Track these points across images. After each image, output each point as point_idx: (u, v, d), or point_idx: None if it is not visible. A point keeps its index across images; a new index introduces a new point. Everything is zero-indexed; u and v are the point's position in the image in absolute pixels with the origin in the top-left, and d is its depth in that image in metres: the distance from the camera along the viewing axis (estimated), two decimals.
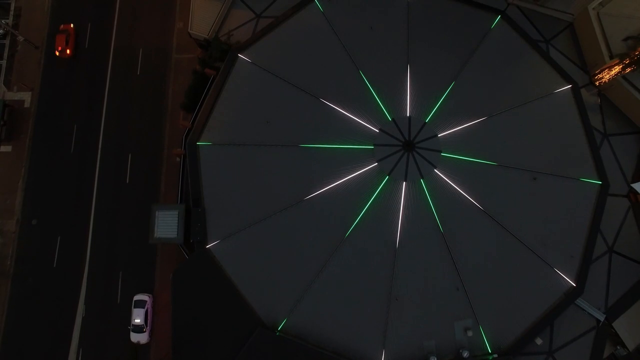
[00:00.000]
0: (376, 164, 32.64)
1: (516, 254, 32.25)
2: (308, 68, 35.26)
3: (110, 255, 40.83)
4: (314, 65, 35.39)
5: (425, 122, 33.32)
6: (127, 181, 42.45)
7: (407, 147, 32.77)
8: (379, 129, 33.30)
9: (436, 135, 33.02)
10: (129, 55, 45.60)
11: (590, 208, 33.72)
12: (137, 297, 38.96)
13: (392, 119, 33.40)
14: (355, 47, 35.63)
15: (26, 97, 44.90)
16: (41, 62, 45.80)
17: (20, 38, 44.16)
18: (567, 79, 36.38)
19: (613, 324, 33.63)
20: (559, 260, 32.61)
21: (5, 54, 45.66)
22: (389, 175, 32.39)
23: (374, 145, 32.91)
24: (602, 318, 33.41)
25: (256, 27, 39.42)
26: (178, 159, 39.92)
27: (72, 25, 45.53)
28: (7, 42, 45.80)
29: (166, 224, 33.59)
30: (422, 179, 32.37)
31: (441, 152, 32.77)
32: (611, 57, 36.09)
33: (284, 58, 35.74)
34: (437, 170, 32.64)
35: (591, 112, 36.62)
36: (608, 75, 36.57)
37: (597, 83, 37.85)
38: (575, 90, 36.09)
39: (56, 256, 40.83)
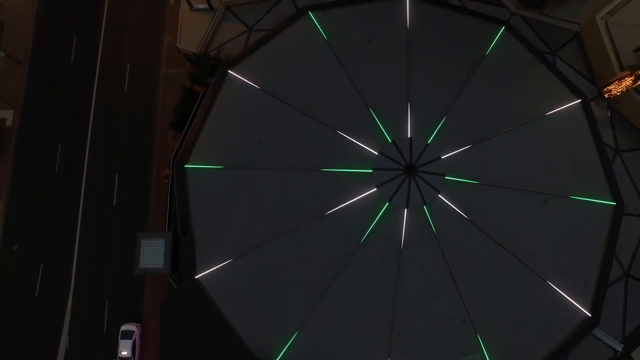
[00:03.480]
0: (375, 189, 30.56)
1: (527, 283, 30.15)
2: (302, 85, 33.30)
3: (96, 283, 38.92)
4: (308, 81, 33.42)
5: (428, 144, 31.22)
6: (115, 204, 40.68)
7: (408, 171, 30.67)
8: (378, 152, 31.23)
9: (439, 157, 30.95)
10: (116, 71, 43.85)
11: (605, 230, 31.59)
12: (124, 327, 36.97)
13: (392, 141, 31.37)
14: (352, 62, 33.64)
15: (8, 115, 43.10)
16: (24, 78, 44.02)
17: (1, 53, 42.44)
18: (577, 93, 34.42)
19: (632, 354, 31.72)
20: (573, 287, 30.48)
21: None
22: (389, 201, 30.33)
23: (372, 169, 30.85)
24: (619, 348, 31.36)
25: (248, 41, 37.69)
26: (167, 181, 38.11)
27: None
28: None
29: (152, 254, 31.48)
30: (425, 205, 30.33)
31: (445, 175, 30.75)
32: (621, 69, 34.29)
33: (276, 74, 33.77)
34: (441, 195, 30.57)
35: (601, 127, 34.55)
36: (618, 88, 34.83)
37: (606, 95, 36.11)
38: (585, 105, 34.14)
39: (38, 284, 38.89)
